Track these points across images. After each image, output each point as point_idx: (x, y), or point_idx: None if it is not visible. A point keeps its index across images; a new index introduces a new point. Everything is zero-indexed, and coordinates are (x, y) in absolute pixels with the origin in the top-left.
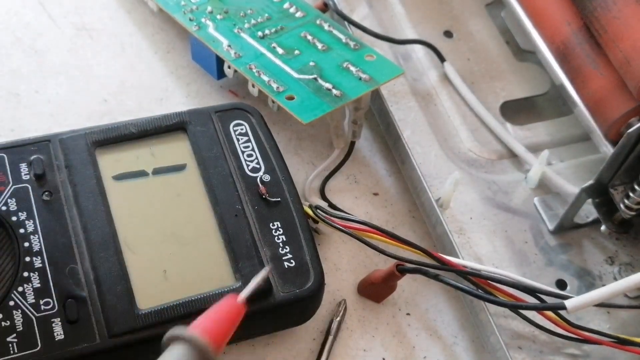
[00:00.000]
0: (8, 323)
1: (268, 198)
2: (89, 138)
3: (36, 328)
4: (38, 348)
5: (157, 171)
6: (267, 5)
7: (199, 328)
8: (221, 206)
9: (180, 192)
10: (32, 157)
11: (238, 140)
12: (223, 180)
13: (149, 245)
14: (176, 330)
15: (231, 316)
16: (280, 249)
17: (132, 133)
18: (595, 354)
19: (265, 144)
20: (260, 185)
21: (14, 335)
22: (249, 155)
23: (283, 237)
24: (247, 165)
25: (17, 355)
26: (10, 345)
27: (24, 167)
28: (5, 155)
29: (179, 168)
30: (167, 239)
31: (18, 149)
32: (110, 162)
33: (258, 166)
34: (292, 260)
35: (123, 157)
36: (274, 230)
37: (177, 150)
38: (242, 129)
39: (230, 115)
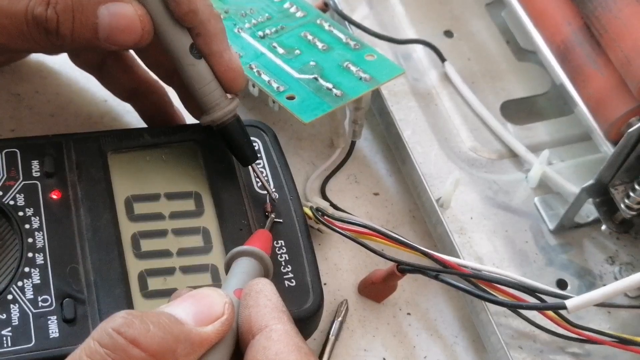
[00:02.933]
0: (4, 316)
1: (270, 215)
2: (102, 141)
3: (32, 324)
4: (32, 344)
5: (167, 180)
6: (268, 5)
7: (255, 245)
8: (227, 219)
9: (187, 202)
10: (44, 155)
11: None
12: (231, 194)
13: (151, 251)
14: (239, 248)
15: (267, 238)
16: (282, 267)
17: (146, 140)
18: (596, 354)
19: (277, 163)
20: (267, 202)
21: (9, 328)
22: (260, 173)
23: (286, 255)
24: (257, 182)
25: (9, 349)
26: (4, 338)
27: (35, 164)
28: (18, 151)
29: (189, 178)
30: (170, 246)
31: (31, 146)
32: (121, 167)
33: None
34: (292, 280)
35: (134, 163)
36: (277, 248)
37: (189, 160)
38: (254, 146)
39: None
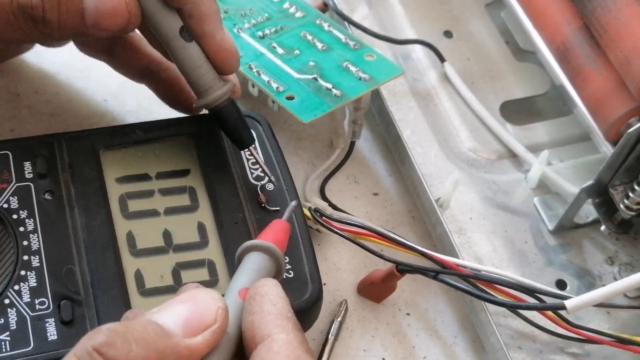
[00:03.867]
0: (2, 321)
1: (267, 207)
2: (94, 139)
3: (30, 327)
4: (30, 347)
5: (161, 175)
6: (267, 5)
7: (267, 239)
8: (222, 213)
9: (182, 197)
10: (36, 156)
11: None
12: (225, 187)
13: (147, 248)
14: (250, 242)
15: (284, 230)
16: None
17: (138, 136)
18: (596, 354)
19: (272, 153)
20: (260, 193)
21: (7, 333)
22: (254, 164)
23: None
24: (251, 174)
25: (8, 353)
26: (2, 343)
27: (27, 166)
28: (9, 153)
29: (183, 173)
30: (166, 244)
31: (23, 147)
32: (114, 164)
33: (262, 175)
34: (290, 272)
35: (127, 160)
36: None
37: (182, 155)
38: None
39: None
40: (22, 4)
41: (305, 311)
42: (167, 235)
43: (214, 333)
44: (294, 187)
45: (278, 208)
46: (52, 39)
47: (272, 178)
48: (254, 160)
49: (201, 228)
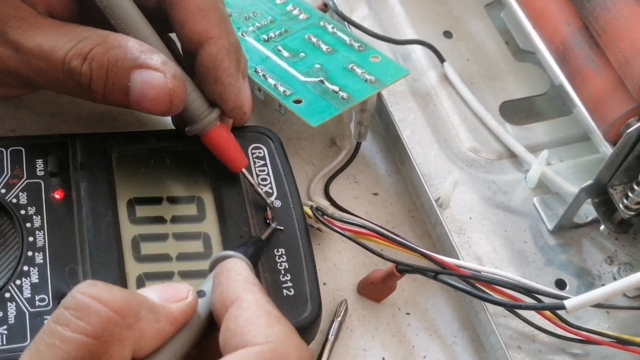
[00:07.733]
0: (1, 314)
1: (272, 224)
2: (108, 142)
3: (28, 323)
4: (27, 342)
5: (170, 184)
6: (270, 7)
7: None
8: (228, 226)
9: (189, 207)
10: (49, 154)
11: (255, 163)
12: (233, 201)
13: (151, 254)
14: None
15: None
16: (281, 276)
17: (151, 143)
18: (595, 354)
19: (281, 170)
20: (267, 210)
21: (5, 327)
22: (263, 180)
23: (286, 264)
24: (261, 189)
25: (5, 347)
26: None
27: (40, 163)
28: (23, 149)
29: (192, 183)
30: (170, 251)
31: (36, 144)
32: (125, 169)
33: (270, 191)
34: (291, 289)
35: (138, 166)
36: (277, 257)
37: (193, 165)
38: (260, 153)
39: (250, 138)
40: (72, 68)
41: (303, 330)
42: (171, 243)
43: (187, 305)
44: (300, 205)
45: (282, 228)
46: (96, 102)
47: (268, 201)
48: (263, 176)
49: (206, 239)
